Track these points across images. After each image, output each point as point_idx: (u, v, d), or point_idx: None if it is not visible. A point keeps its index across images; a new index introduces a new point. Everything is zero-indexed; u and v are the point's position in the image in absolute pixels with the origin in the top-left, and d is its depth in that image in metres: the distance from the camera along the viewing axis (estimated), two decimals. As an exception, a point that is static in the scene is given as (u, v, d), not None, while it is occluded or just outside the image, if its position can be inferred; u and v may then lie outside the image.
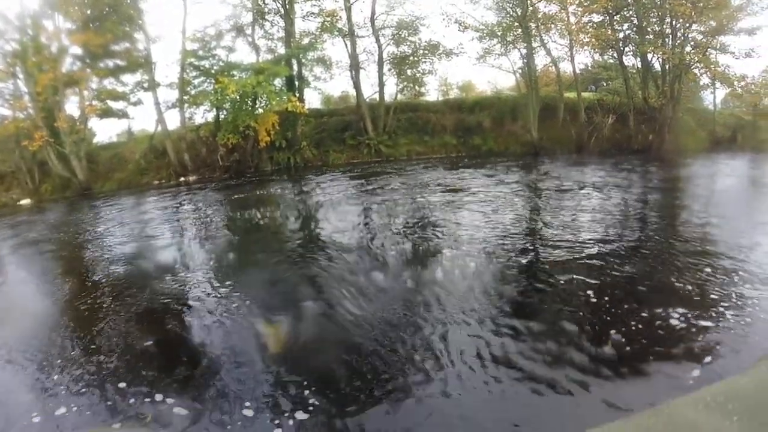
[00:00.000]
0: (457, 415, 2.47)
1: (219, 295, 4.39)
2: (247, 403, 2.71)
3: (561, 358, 2.92)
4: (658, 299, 3.53)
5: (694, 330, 3.09)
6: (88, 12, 16.27)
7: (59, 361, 3.50)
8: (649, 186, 9.93)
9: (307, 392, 2.75)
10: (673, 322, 3.21)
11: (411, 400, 2.63)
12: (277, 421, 2.54)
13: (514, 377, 2.78)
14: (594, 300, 3.71)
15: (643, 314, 3.33)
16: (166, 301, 4.50)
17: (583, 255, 4.77)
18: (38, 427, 2.67)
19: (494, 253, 5.01)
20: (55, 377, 3.29)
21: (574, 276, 4.17)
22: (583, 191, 8.91)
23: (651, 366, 2.74)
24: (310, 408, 2.62)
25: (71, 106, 16.35)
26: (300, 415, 2.58)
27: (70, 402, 2.90)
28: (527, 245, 5.35)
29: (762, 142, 16.12)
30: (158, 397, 2.84)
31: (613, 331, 3.13)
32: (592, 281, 4.06)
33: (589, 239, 5.35)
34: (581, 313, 3.49)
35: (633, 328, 3.17)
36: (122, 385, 3.01)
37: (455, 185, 10.24)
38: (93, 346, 3.67)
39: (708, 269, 4.17)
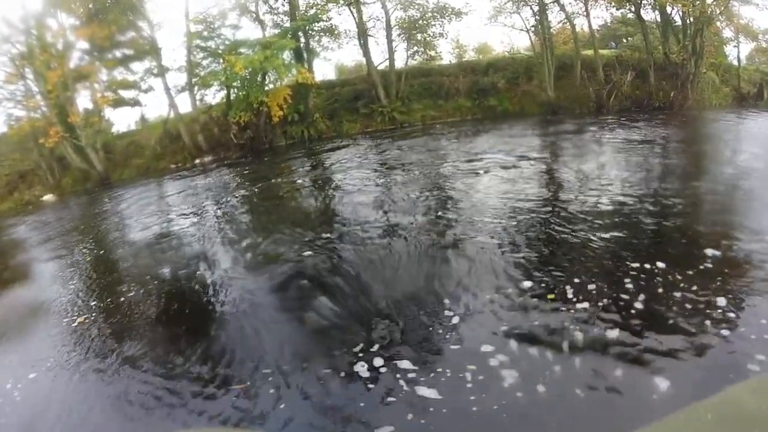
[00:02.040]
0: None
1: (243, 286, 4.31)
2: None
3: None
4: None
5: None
6: (90, 6, 16.19)
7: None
8: (671, 146, 9.38)
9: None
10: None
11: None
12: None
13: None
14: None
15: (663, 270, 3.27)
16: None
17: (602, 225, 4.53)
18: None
19: (512, 219, 4.91)
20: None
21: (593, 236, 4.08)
22: (601, 155, 8.55)
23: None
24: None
25: (84, 100, 16.40)
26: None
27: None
28: (546, 215, 5.12)
29: (790, 98, 15.28)
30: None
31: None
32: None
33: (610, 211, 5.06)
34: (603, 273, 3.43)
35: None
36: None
37: (469, 149, 9.97)
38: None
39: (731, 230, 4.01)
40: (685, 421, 0.43)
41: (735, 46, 17.48)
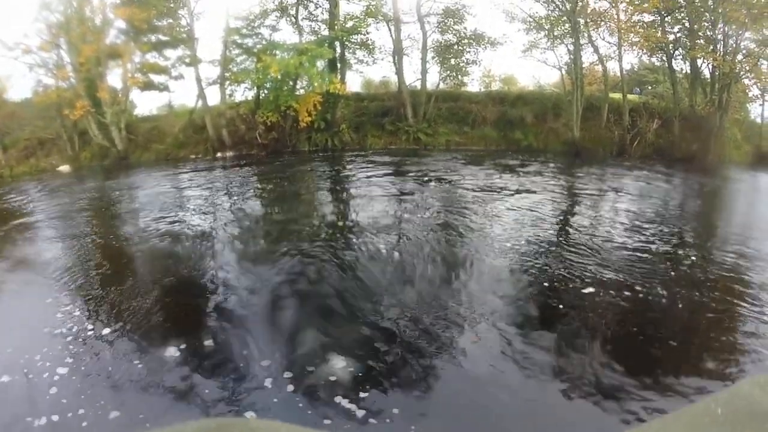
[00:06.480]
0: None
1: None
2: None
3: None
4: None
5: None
6: (132, -15, 16.31)
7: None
8: (697, 201, 9.48)
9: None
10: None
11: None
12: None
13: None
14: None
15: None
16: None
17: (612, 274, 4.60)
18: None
19: (523, 256, 5.05)
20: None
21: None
22: (628, 201, 8.56)
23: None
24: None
25: (113, 78, 16.48)
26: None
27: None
28: (556, 257, 5.17)
29: (812, 160, 15.36)
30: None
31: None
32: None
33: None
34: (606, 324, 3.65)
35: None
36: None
37: (491, 181, 10.00)
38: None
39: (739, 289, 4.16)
40: (694, 415, 0.44)
41: (760, 105, 17.64)
